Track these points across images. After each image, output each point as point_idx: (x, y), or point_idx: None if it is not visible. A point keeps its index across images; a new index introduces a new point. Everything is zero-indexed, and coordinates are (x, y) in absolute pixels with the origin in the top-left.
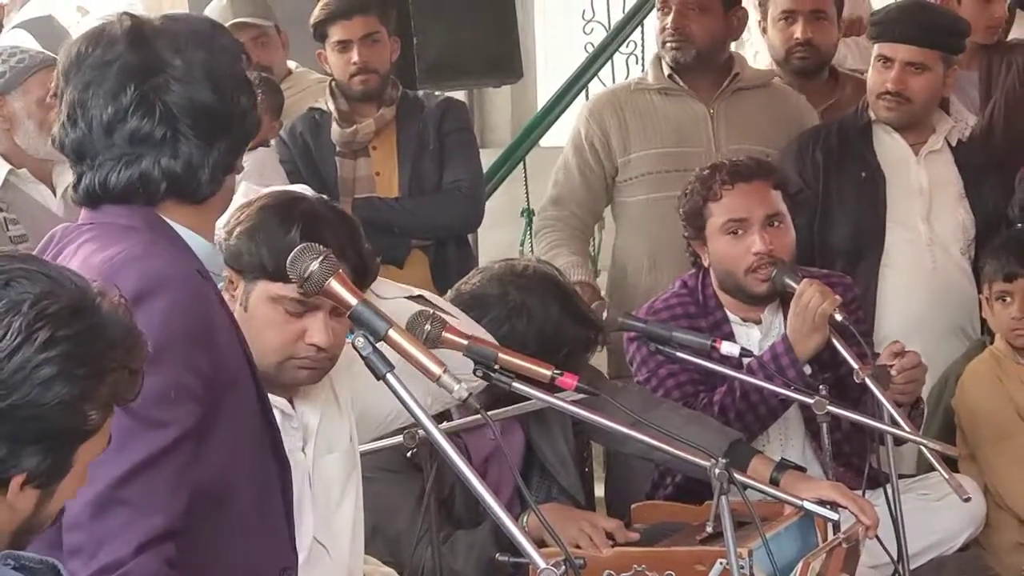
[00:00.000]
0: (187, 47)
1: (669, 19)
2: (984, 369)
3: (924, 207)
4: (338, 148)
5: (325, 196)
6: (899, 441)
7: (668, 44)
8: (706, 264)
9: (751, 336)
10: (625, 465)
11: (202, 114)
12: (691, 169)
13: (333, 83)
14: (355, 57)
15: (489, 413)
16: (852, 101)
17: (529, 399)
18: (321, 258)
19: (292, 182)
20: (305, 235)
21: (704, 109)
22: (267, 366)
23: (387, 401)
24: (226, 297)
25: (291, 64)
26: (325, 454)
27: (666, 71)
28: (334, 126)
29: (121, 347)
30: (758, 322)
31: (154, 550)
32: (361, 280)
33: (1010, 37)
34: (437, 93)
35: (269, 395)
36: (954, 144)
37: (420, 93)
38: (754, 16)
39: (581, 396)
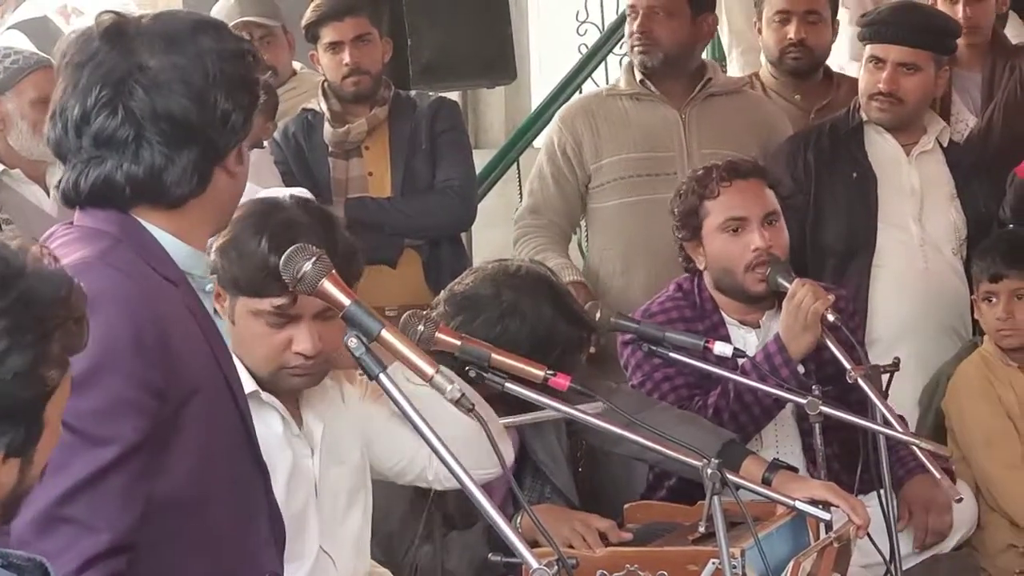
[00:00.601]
0: (162, 49)
1: (636, 23)
2: (973, 371)
3: (916, 207)
4: (331, 148)
5: (304, 196)
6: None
7: (636, 48)
8: (701, 267)
9: (748, 340)
10: (601, 463)
11: (167, 120)
12: (663, 174)
13: (325, 84)
14: (347, 58)
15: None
16: (846, 101)
17: (524, 406)
18: (314, 259)
19: (285, 183)
20: (274, 248)
21: (676, 114)
22: (262, 375)
23: (395, 451)
24: (218, 307)
25: (296, 65)
26: (334, 465)
27: (638, 76)
28: (326, 126)
29: (59, 301)
30: (756, 326)
31: (100, 566)
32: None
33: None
34: (430, 93)
35: (272, 399)
36: (945, 144)
37: (412, 93)
38: (729, 15)
39: (593, 408)
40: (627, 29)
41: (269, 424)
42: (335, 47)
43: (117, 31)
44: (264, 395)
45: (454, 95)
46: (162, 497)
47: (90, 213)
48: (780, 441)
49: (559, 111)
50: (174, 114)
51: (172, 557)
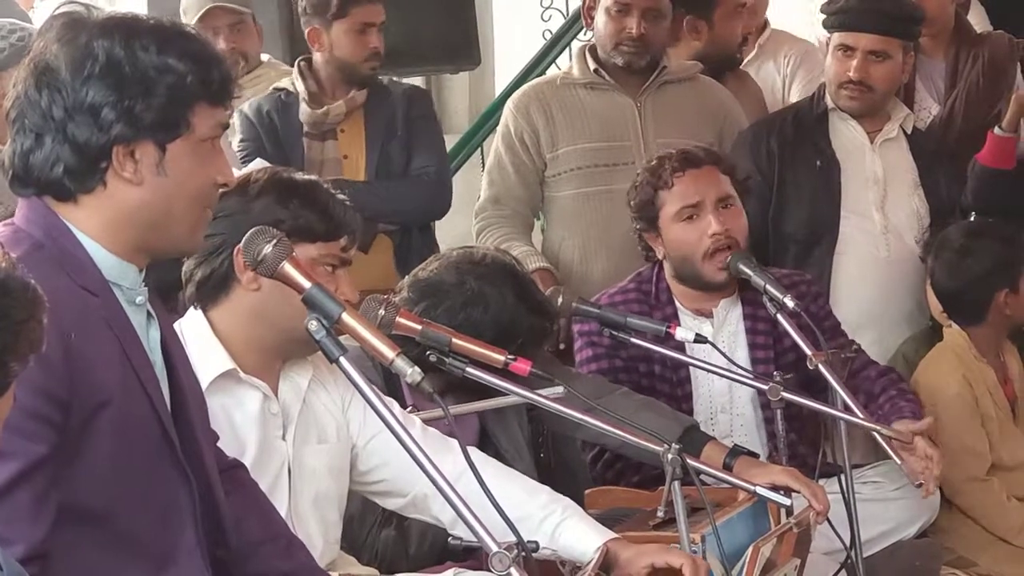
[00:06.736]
0: (59, 38)
1: (631, 21)
2: (951, 375)
3: (879, 195)
4: (306, 128)
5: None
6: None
7: (624, 47)
8: (660, 256)
9: (702, 330)
10: (563, 449)
11: (35, 105)
12: (619, 163)
13: (302, 63)
14: (374, 42)
15: (452, 410)
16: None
17: (485, 392)
18: (275, 241)
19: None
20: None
21: (631, 102)
22: (297, 334)
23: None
24: (244, 279)
25: (264, 56)
26: (310, 443)
27: (592, 65)
28: (303, 106)
29: (25, 299)
30: (710, 315)
31: None
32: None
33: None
34: (395, 79)
35: (253, 379)
36: (909, 132)
37: (384, 79)
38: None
39: (553, 393)
40: (611, 25)
41: (243, 403)
42: (365, 28)
43: (65, 20)
44: (243, 375)
45: (418, 80)
46: (72, 506)
47: (24, 205)
48: (735, 430)
49: (510, 98)
50: (39, 100)
51: (84, 564)
